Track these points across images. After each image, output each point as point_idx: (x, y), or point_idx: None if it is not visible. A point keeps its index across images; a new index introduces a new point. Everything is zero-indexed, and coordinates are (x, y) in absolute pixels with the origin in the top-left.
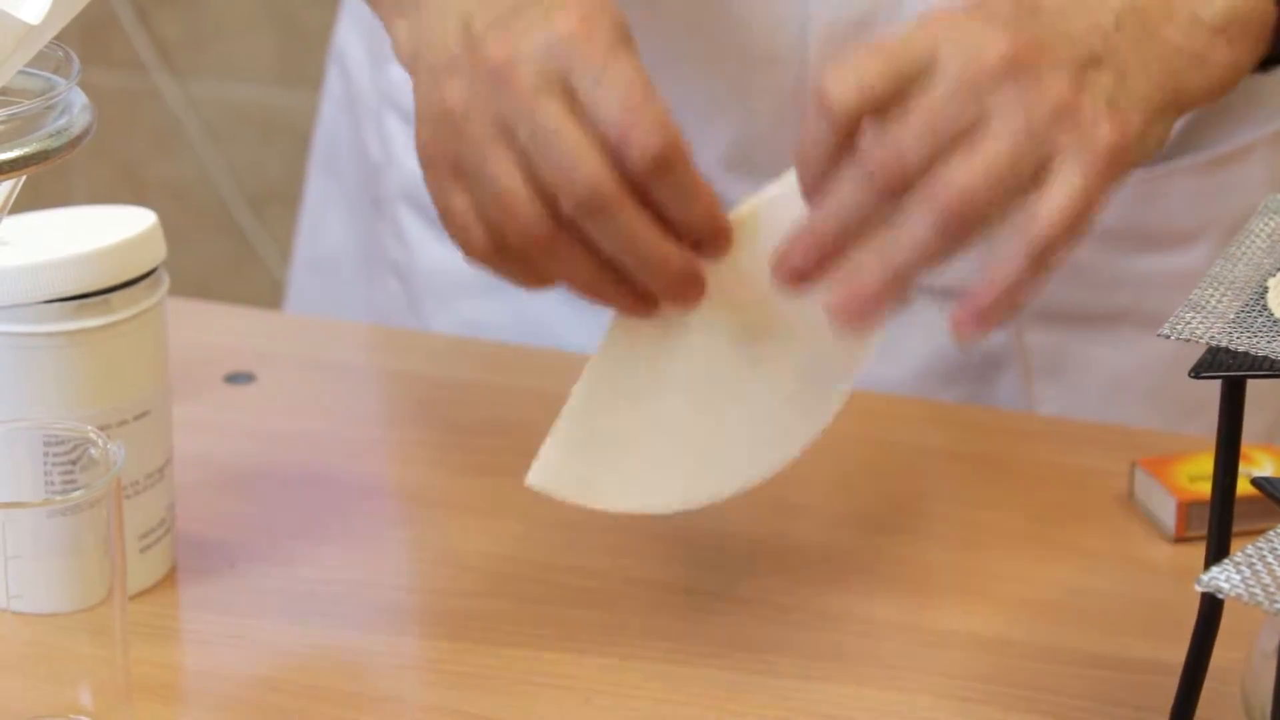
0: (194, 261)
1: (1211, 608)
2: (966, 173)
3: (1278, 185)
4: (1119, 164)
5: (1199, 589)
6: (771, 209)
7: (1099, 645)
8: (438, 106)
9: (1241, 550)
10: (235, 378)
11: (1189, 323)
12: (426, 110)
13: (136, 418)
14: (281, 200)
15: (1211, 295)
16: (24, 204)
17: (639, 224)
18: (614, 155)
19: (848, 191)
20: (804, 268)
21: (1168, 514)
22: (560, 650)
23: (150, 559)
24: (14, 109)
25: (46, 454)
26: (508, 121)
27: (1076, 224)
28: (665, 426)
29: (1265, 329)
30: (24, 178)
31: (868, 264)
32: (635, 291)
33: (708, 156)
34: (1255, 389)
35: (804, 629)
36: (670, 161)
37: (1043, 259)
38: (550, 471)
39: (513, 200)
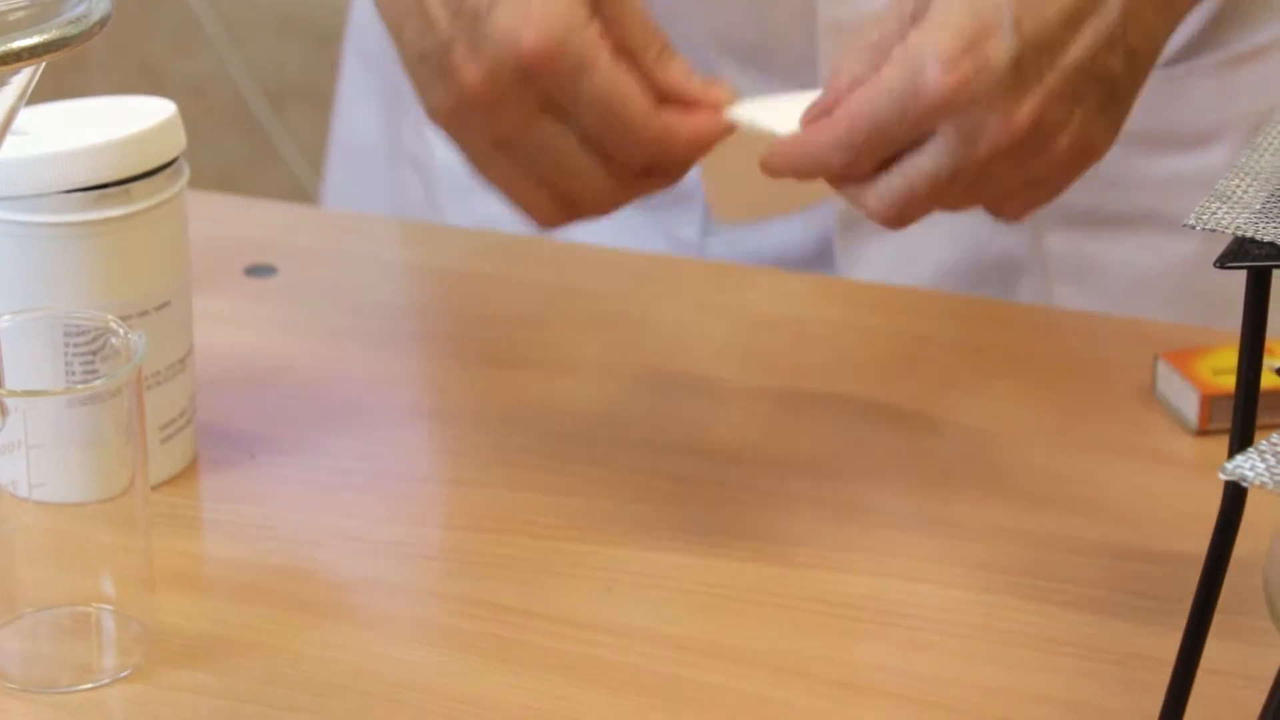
0: (214, 158)
1: (1234, 497)
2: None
3: None
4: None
5: (1223, 478)
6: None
7: (1120, 537)
8: (455, 86)
9: (1266, 439)
10: (256, 270)
11: (1215, 213)
12: (432, 88)
13: (157, 309)
14: (301, 97)
15: (1238, 185)
16: (43, 97)
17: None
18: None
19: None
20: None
21: (1190, 407)
22: (580, 541)
23: (171, 450)
24: None
25: (67, 344)
26: (549, 97)
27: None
28: None
29: None
30: (42, 66)
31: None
32: None
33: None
34: None
35: (825, 521)
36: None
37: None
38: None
39: (578, 169)
